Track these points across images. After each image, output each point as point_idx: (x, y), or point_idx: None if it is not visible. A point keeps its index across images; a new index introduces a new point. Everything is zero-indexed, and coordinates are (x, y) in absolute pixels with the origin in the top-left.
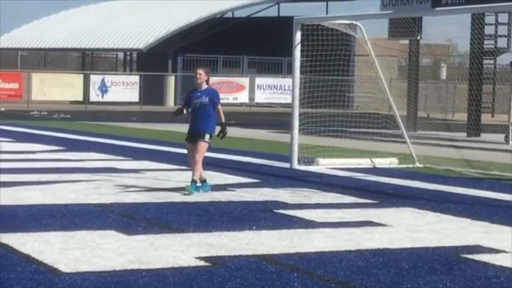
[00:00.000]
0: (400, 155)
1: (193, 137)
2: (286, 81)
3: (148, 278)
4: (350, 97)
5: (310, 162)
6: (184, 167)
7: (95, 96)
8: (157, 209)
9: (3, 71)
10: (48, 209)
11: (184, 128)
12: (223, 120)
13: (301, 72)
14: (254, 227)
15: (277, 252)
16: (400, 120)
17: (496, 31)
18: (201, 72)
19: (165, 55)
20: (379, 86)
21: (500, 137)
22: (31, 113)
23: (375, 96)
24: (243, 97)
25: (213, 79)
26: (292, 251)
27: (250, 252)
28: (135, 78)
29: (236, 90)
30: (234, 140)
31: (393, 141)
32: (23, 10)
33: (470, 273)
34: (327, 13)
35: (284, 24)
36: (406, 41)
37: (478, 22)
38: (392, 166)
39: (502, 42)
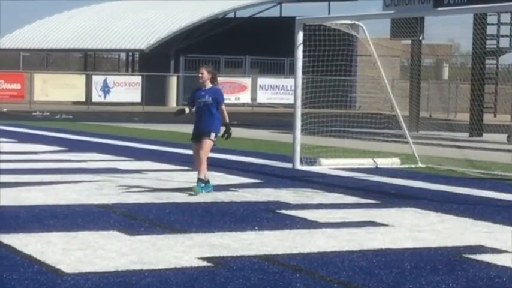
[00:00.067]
0: (402, 155)
1: (198, 137)
2: (288, 82)
3: (151, 279)
4: (352, 97)
5: (312, 162)
6: (186, 168)
7: (97, 96)
8: (159, 209)
9: (5, 72)
10: (51, 210)
11: (186, 128)
12: (227, 120)
13: (303, 73)
14: (256, 228)
15: (279, 252)
16: (402, 120)
17: (498, 31)
18: (203, 72)
19: (167, 55)
20: (381, 86)
21: (503, 137)
22: (33, 113)
23: (377, 97)
24: (245, 97)
25: None
26: (294, 251)
27: (252, 253)
28: (137, 79)
29: (238, 90)
30: (236, 140)
31: (395, 142)
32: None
33: (473, 274)
34: (329, 13)
35: (286, 25)
36: (408, 41)
37: (480, 22)
38: (394, 166)
39: (504, 42)
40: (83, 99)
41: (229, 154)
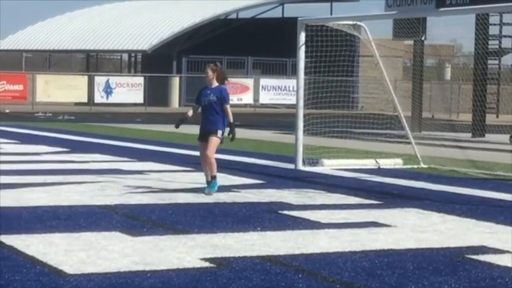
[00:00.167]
0: (404, 155)
1: (204, 137)
2: (290, 82)
3: (153, 279)
4: (355, 98)
5: (314, 163)
6: (189, 168)
7: (99, 97)
8: (162, 210)
9: (7, 73)
10: (53, 211)
11: (187, 129)
12: (231, 120)
13: (306, 73)
14: (259, 228)
15: (282, 253)
16: (404, 120)
17: (500, 31)
18: (207, 71)
19: (170, 56)
20: (383, 87)
21: (505, 137)
22: (36, 114)
23: (379, 97)
24: (247, 98)
25: None
26: (296, 252)
27: (255, 253)
28: (140, 80)
29: (241, 91)
30: (238, 141)
31: (398, 142)
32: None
33: (475, 274)
34: (331, 14)
35: (288, 25)
36: (411, 42)
37: (482, 22)
38: (397, 167)
39: (506, 43)
40: (85, 100)
41: (232, 155)
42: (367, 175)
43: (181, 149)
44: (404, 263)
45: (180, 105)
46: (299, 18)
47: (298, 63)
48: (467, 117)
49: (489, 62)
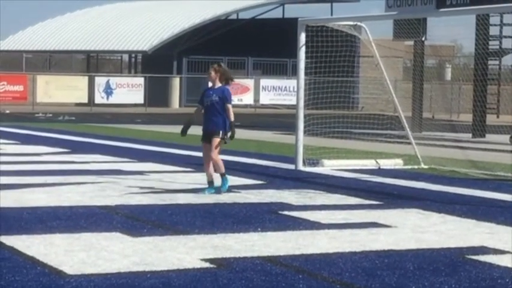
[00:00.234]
0: (405, 156)
1: (207, 137)
2: (291, 83)
3: (153, 280)
4: (355, 98)
5: (315, 163)
6: (189, 169)
7: (99, 98)
8: (162, 211)
9: (8, 74)
10: (53, 211)
11: (190, 129)
12: (231, 119)
13: (306, 74)
14: (259, 229)
15: (282, 253)
16: (405, 121)
17: (500, 32)
18: (210, 71)
19: (170, 57)
20: (384, 87)
21: (506, 137)
22: (36, 115)
23: (379, 97)
24: (247, 98)
25: None
26: (297, 252)
27: (255, 254)
28: (140, 80)
29: (241, 91)
30: (238, 141)
31: (398, 142)
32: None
33: (476, 274)
34: (331, 14)
35: (289, 26)
36: (411, 42)
37: (482, 23)
38: (397, 167)
39: (506, 43)
40: (85, 100)
41: (232, 155)
42: (368, 175)
43: (182, 150)
44: (405, 264)
45: (180, 105)
46: (299, 19)
47: (299, 64)
48: (467, 117)
49: (489, 62)
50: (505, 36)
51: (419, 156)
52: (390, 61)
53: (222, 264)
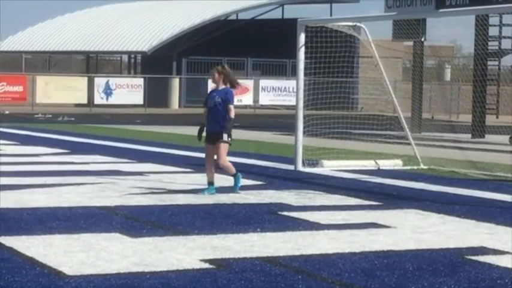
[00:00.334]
0: (404, 156)
1: (210, 139)
2: (290, 83)
3: (153, 281)
4: (354, 99)
5: (314, 164)
6: (189, 170)
7: (99, 99)
8: (161, 211)
9: (7, 74)
10: (53, 212)
11: (188, 130)
12: (231, 116)
13: (306, 74)
14: (259, 229)
15: (281, 254)
16: (404, 121)
17: (500, 32)
18: (213, 74)
19: (170, 57)
20: (383, 88)
21: (505, 138)
22: (35, 115)
23: (379, 98)
24: (247, 99)
25: None
26: (296, 253)
27: (254, 255)
28: (140, 81)
29: (240, 92)
30: (238, 142)
31: (398, 143)
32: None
33: (475, 275)
34: (331, 15)
35: (288, 26)
36: (410, 43)
37: (482, 23)
38: (396, 168)
39: (506, 44)
40: (85, 101)
41: (232, 156)
42: (367, 176)
43: (181, 150)
44: (404, 264)
45: (180, 106)
46: (299, 19)
47: (298, 64)
48: (467, 118)
49: (489, 63)
50: (505, 37)
51: (418, 157)
52: (389, 62)
53: (222, 264)
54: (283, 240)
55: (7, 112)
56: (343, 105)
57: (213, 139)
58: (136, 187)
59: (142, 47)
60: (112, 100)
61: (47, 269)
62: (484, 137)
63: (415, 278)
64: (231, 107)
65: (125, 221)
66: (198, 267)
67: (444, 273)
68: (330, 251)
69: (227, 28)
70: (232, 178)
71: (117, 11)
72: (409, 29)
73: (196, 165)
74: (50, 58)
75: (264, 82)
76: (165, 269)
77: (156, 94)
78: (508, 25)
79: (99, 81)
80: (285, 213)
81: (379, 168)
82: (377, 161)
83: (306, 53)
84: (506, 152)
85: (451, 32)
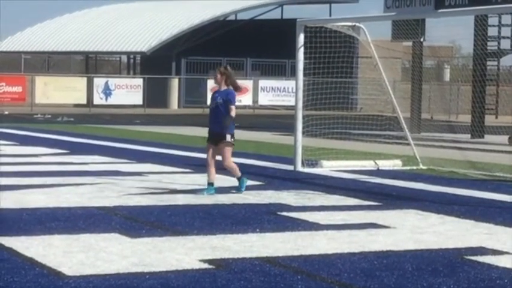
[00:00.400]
0: (403, 156)
1: (213, 140)
2: (289, 84)
3: (152, 281)
4: (354, 99)
5: (314, 164)
6: (188, 170)
7: (98, 99)
8: (161, 211)
9: (6, 75)
10: (52, 212)
11: (188, 130)
12: (232, 114)
13: (305, 75)
14: (258, 230)
15: (281, 254)
16: (403, 122)
17: (499, 32)
18: (216, 75)
19: (169, 58)
20: (382, 88)
21: (504, 138)
22: (35, 116)
23: (378, 98)
24: (246, 99)
25: None
26: (296, 253)
27: (254, 255)
28: (139, 81)
29: (240, 92)
30: (237, 142)
31: (397, 143)
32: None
33: (474, 275)
34: (330, 15)
35: (287, 27)
36: (410, 43)
37: (481, 24)
38: (396, 168)
39: (505, 44)
40: (84, 101)
41: (231, 156)
42: (366, 176)
43: (181, 151)
44: (403, 264)
45: (179, 106)
46: (298, 20)
47: (297, 65)
48: (466, 118)
49: (488, 63)
50: (504, 37)
51: (418, 157)
52: (389, 62)
53: (221, 265)
54: (282, 241)
55: (6, 112)
56: (342, 105)
57: (215, 140)
58: (136, 187)
59: (141, 47)
60: (111, 100)
61: (47, 270)
62: (483, 137)
63: (415, 278)
64: (233, 107)
65: (124, 221)
66: (197, 267)
67: (443, 274)
68: (329, 251)
69: (226, 28)
70: (235, 179)
71: (117, 11)
72: (408, 29)
73: (196, 166)
74: (49, 58)
75: (263, 82)
76: (165, 269)
77: (155, 94)
78: (507, 25)
79: (99, 82)
80: (284, 213)
81: (378, 169)
82: (376, 161)
83: (305, 53)
84: (506, 152)
85: (450, 32)
